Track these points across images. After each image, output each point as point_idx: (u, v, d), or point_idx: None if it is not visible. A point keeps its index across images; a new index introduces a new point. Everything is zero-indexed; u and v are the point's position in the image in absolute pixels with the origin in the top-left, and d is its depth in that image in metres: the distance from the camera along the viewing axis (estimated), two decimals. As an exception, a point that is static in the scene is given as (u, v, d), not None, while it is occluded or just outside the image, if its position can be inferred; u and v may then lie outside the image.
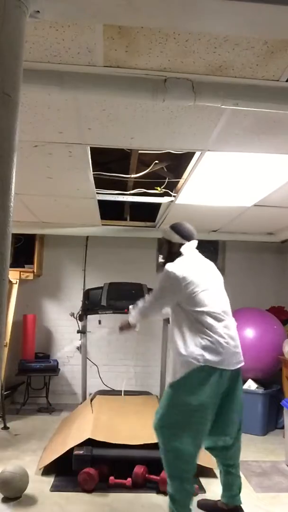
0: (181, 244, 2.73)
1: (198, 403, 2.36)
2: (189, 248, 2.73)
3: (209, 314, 2.47)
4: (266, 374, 4.56)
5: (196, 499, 2.86)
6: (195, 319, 2.47)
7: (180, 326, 2.51)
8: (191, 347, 2.41)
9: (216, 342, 2.42)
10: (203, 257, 2.77)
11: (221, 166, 2.75)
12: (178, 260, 2.64)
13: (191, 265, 2.63)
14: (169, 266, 2.56)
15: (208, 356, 2.39)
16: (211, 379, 2.38)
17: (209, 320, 2.46)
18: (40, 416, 4.70)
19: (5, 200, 1.05)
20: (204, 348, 2.40)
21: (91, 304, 4.46)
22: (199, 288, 2.50)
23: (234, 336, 2.54)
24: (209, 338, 2.42)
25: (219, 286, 2.69)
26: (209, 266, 2.78)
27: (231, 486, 2.62)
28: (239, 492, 2.64)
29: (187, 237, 2.76)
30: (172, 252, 2.73)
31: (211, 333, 2.43)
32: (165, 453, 2.43)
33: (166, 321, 4.19)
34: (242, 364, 2.56)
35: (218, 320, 2.49)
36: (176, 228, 2.78)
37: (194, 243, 2.77)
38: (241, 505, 2.63)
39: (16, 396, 5.03)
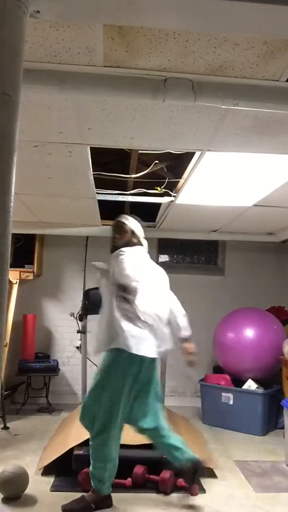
0: (139, 238, 2.91)
1: None
2: (145, 245, 2.93)
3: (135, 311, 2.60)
4: (266, 374, 4.56)
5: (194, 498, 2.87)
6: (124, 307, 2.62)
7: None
8: None
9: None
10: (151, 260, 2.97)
11: (221, 166, 2.75)
12: (134, 248, 2.81)
13: (142, 259, 2.81)
14: (127, 248, 2.75)
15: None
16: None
17: (132, 316, 2.59)
18: (40, 416, 4.70)
19: (5, 200, 1.05)
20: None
21: (91, 304, 4.45)
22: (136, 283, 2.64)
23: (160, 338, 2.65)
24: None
25: (160, 290, 2.81)
26: (157, 269, 2.94)
27: (176, 447, 2.77)
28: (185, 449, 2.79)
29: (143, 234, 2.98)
30: (131, 243, 2.84)
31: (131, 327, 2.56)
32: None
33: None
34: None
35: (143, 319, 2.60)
36: (140, 222, 2.98)
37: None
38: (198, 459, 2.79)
39: (16, 396, 5.03)
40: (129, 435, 3.23)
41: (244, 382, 4.54)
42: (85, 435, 3.13)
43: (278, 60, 1.58)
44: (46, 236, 5.33)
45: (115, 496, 2.88)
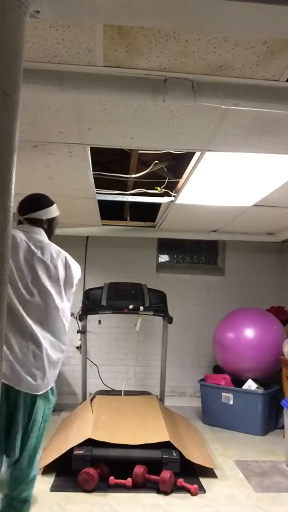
0: None
1: None
2: None
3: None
4: (266, 374, 4.57)
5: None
6: None
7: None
8: None
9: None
10: None
11: (221, 166, 2.75)
12: None
13: None
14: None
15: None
16: None
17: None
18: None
19: (5, 200, 1.05)
20: None
21: (91, 304, 4.45)
22: None
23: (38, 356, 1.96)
24: None
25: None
26: None
27: None
28: None
29: None
30: None
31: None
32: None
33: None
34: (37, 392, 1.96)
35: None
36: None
37: None
38: None
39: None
40: (129, 435, 3.24)
41: (244, 382, 4.54)
42: (85, 435, 3.14)
43: (278, 60, 1.58)
44: (46, 236, 5.32)
45: (115, 496, 2.88)
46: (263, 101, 1.73)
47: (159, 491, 2.96)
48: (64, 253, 2.18)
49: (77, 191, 3.41)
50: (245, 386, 4.50)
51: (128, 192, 3.59)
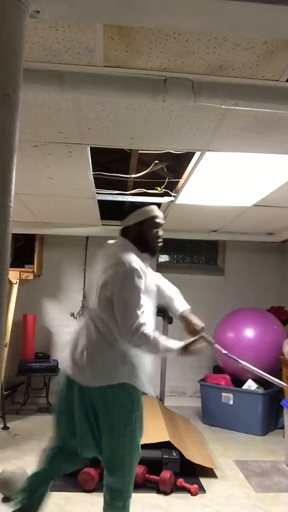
0: None
1: None
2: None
3: None
4: (266, 374, 4.56)
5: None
6: None
7: None
8: None
9: None
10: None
11: (221, 166, 2.75)
12: None
13: None
14: None
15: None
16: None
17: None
18: (40, 416, 4.69)
19: (5, 200, 1.05)
20: None
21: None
22: None
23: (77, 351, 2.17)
24: None
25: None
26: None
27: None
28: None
29: None
30: None
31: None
32: None
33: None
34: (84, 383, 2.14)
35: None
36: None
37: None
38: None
39: (16, 396, 5.03)
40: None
41: (244, 382, 4.54)
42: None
43: (278, 60, 1.58)
44: (46, 236, 5.33)
45: (115, 496, 2.87)
46: (263, 101, 1.73)
47: (159, 491, 2.96)
48: (117, 256, 2.09)
49: (77, 191, 3.41)
50: (245, 386, 4.50)
51: (128, 192, 3.59)
